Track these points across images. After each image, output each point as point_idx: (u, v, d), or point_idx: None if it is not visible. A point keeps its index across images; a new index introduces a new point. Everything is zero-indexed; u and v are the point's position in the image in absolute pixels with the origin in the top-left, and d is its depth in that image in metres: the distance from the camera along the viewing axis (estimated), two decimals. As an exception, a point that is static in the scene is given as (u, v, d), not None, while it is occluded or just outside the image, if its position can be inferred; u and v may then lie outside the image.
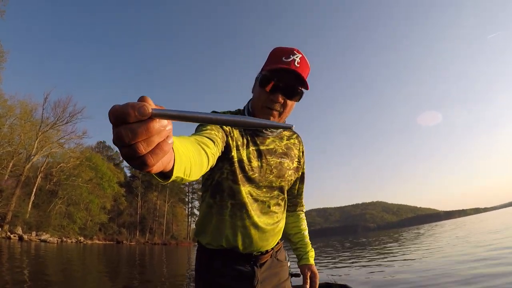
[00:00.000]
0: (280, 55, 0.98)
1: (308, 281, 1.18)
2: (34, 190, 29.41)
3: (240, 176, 0.99)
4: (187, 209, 65.61)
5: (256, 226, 1.02)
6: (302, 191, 1.28)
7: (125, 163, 58.37)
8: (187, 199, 65.75)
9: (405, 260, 7.96)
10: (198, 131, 0.87)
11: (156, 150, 0.34)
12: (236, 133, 1.01)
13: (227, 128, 0.97)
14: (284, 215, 1.15)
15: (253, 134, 1.06)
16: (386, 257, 9.19)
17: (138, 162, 0.34)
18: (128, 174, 57.25)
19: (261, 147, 1.06)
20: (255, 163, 1.03)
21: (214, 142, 0.81)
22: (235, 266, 1.04)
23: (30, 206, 28.30)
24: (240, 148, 1.01)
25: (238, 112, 1.11)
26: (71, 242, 29.99)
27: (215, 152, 0.79)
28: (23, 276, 6.13)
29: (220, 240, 1.03)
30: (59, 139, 32.27)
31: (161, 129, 0.33)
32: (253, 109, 1.04)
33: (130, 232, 50.43)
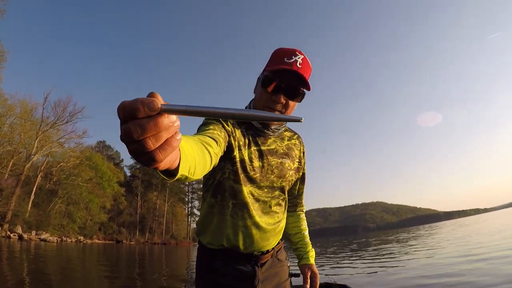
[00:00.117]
0: (282, 56, 0.99)
1: (309, 281, 1.18)
2: (34, 189, 29.42)
3: (242, 176, 1.00)
4: (187, 208, 65.72)
5: (257, 225, 1.02)
6: (303, 192, 1.29)
7: (125, 163, 58.48)
8: (187, 199, 65.85)
9: (404, 260, 7.97)
10: (200, 130, 0.88)
11: (165, 145, 0.34)
12: (238, 133, 1.01)
13: (229, 128, 0.97)
14: (285, 215, 1.16)
15: (254, 134, 1.06)
16: (385, 257, 9.20)
17: (147, 157, 0.34)
18: (128, 174, 57.41)
19: (263, 147, 1.06)
20: (256, 163, 1.03)
21: (216, 142, 0.81)
22: (236, 265, 1.04)
23: (30, 205, 28.31)
24: (242, 148, 1.01)
25: None
26: (71, 241, 30.00)
27: (217, 151, 0.79)
28: (22, 275, 6.14)
29: (221, 240, 1.03)
30: (59, 139, 32.36)
31: (169, 124, 0.33)
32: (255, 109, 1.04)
33: (129, 232, 50.45)
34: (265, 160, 1.05)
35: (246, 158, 1.01)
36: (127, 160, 59.91)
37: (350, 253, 13.06)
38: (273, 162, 1.07)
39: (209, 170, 0.72)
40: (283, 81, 0.97)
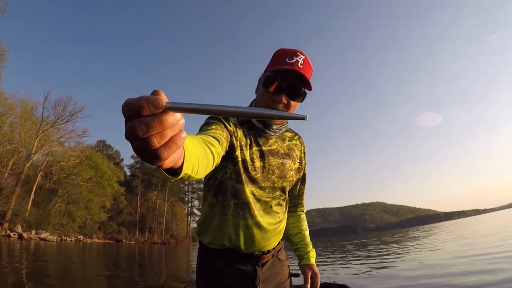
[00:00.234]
0: (283, 56, 0.99)
1: (309, 281, 1.19)
2: (34, 188, 29.42)
3: (243, 176, 1.00)
4: (186, 208, 65.69)
5: (258, 225, 1.03)
6: (303, 192, 1.29)
7: (125, 162, 58.47)
8: (186, 199, 65.83)
9: (404, 260, 7.97)
10: (202, 130, 0.88)
11: (169, 143, 0.34)
12: (240, 133, 1.02)
13: (231, 128, 0.98)
14: (286, 215, 1.16)
15: (256, 134, 1.07)
16: (385, 258, 9.20)
17: (151, 155, 0.34)
18: (128, 173, 57.42)
19: (264, 148, 1.07)
20: (258, 163, 1.04)
21: (219, 142, 0.82)
22: (237, 265, 1.05)
23: (30, 204, 28.31)
24: (244, 148, 1.01)
25: None
26: (71, 240, 30.00)
27: (220, 151, 0.80)
28: (22, 274, 6.14)
29: (223, 240, 1.03)
30: (59, 138, 32.37)
31: (174, 122, 0.33)
32: None
33: (129, 231, 50.44)
34: (266, 161, 1.06)
35: (248, 158, 1.01)
36: (127, 159, 60.05)
37: (349, 253, 13.06)
38: (274, 163, 1.07)
39: (212, 169, 0.73)
40: (285, 81, 0.97)
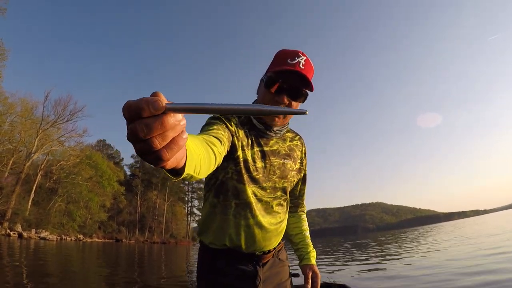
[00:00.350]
0: (285, 57, 0.99)
1: (310, 281, 1.19)
2: (34, 187, 29.43)
3: (245, 176, 1.00)
4: (186, 208, 65.68)
5: (260, 225, 1.03)
6: (304, 192, 1.29)
7: (125, 162, 58.47)
8: (186, 198, 65.82)
9: (404, 260, 7.97)
10: (204, 130, 0.88)
11: (171, 144, 0.34)
12: (241, 133, 1.02)
13: (232, 128, 0.98)
14: (287, 215, 1.17)
15: (257, 135, 1.07)
16: (385, 258, 9.20)
17: (153, 157, 0.34)
18: (128, 173, 57.43)
19: (265, 148, 1.07)
20: (259, 163, 1.04)
21: (221, 142, 0.82)
22: (238, 265, 1.05)
23: (30, 203, 28.32)
24: (245, 148, 1.01)
25: None
26: (71, 240, 30.02)
27: (221, 151, 0.80)
28: (22, 273, 6.14)
29: (224, 239, 1.04)
30: (59, 137, 32.38)
31: (175, 123, 0.33)
32: None
33: (129, 231, 50.44)
34: (267, 161, 1.06)
35: (250, 158, 1.02)
36: (127, 159, 60.17)
37: (349, 253, 13.06)
38: (275, 163, 1.08)
39: (214, 169, 0.73)
40: (286, 81, 0.98)
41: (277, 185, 1.08)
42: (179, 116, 0.34)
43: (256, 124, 1.06)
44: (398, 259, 8.68)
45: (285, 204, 1.14)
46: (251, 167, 1.01)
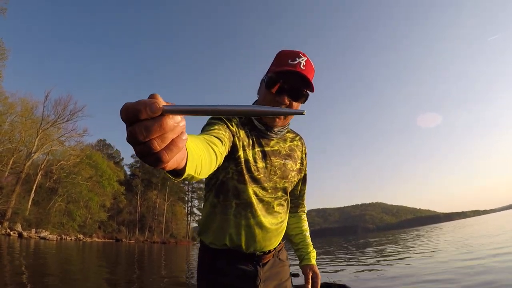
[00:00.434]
0: (285, 58, 0.99)
1: (310, 281, 1.19)
2: (34, 187, 29.44)
3: (246, 176, 1.00)
4: (186, 208, 65.70)
5: (260, 225, 1.03)
6: (304, 193, 1.30)
7: (125, 161, 58.46)
8: (186, 198, 65.83)
9: (404, 260, 7.97)
10: (205, 130, 0.88)
11: (171, 146, 0.34)
12: (242, 133, 1.02)
13: (233, 128, 0.98)
14: (287, 215, 1.17)
15: (258, 135, 1.07)
16: (385, 258, 9.20)
17: (153, 158, 0.34)
18: (128, 173, 57.45)
19: (266, 148, 1.07)
20: (260, 163, 1.04)
21: (221, 141, 0.82)
22: (238, 265, 1.05)
23: (30, 203, 28.33)
24: (246, 148, 1.02)
25: None
26: (71, 239, 30.04)
27: (222, 151, 0.80)
28: (22, 273, 6.15)
29: (224, 239, 1.04)
30: (59, 137, 32.40)
31: (175, 125, 0.33)
32: None
33: (129, 230, 50.45)
34: (268, 161, 1.06)
35: (251, 158, 1.02)
36: (127, 158, 60.03)
37: (349, 253, 13.06)
38: (276, 163, 1.08)
39: (215, 169, 0.73)
40: (287, 82, 0.98)
41: (278, 185, 1.08)
42: (178, 117, 0.34)
43: (257, 124, 1.06)
44: (398, 259, 8.68)
45: (285, 204, 1.14)
46: (252, 167, 1.01)
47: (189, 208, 65.75)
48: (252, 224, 1.02)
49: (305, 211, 1.35)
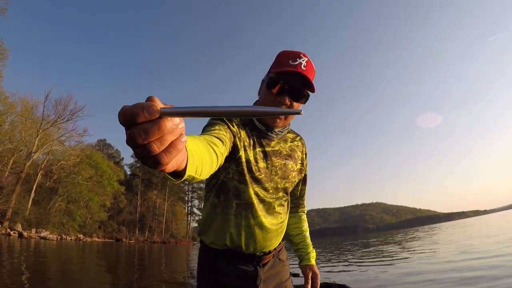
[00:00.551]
0: (286, 58, 1.00)
1: (310, 281, 1.20)
2: (34, 187, 29.45)
3: (247, 176, 1.01)
4: (186, 207, 65.66)
5: (260, 226, 1.03)
6: (304, 193, 1.30)
7: (125, 161, 58.44)
8: (186, 198, 65.79)
9: (404, 260, 7.97)
10: (206, 131, 0.88)
11: (170, 148, 0.34)
12: (243, 134, 1.02)
13: (234, 129, 0.98)
14: (287, 216, 1.17)
15: (259, 135, 1.07)
16: (385, 258, 9.20)
17: (152, 161, 0.34)
18: (128, 172, 57.42)
19: (267, 149, 1.07)
20: (261, 164, 1.04)
21: (222, 142, 0.82)
22: (238, 265, 1.05)
23: (30, 203, 28.34)
24: (247, 148, 1.02)
25: None
26: (71, 239, 30.02)
27: (223, 151, 0.80)
28: (22, 273, 6.15)
29: (224, 239, 1.04)
30: (59, 137, 32.37)
31: (173, 127, 0.33)
32: None
33: (129, 230, 50.44)
34: (269, 161, 1.06)
35: (252, 158, 1.02)
36: (127, 158, 60.00)
37: (349, 253, 13.06)
38: (277, 163, 1.08)
39: (216, 169, 0.73)
40: (288, 82, 0.98)
41: (279, 186, 1.09)
42: (177, 119, 0.34)
43: (257, 125, 1.06)
44: (398, 259, 8.68)
45: (286, 204, 1.14)
46: (253, 167, 1.02)
47: (189, 208, 65.80)
48: (252, 224, 1.02)
49: (305, 211, 1.36)
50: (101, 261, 11.38)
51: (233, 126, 0.98)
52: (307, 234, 1.30)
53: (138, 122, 0.32)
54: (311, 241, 1.30)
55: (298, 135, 1.23)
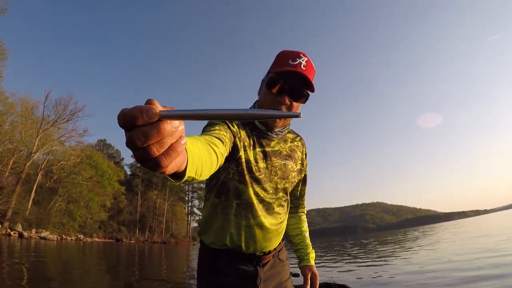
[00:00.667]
0: (286, 58, 1.00)
1: (309, 282, 1.20)
2: (35, 187, 29.46)
3: (247, 176, 1.01)
4: (187, 207, 65.65)
5: (260, 226, 1.03)
6: (304, 193, 1.30)
7: (125, 161, 58.42)
8: (187, 198, 65.78)
9: (404, 260, 7.97)
10: (206, 131, 0.88)
11: (169, 151, 0.35)
12: (243, 134, 1.02)
13: (234, 129, 0.98)
14: (287, 216, 1.17)
15: (259, 136, 1.07)
16: (385, 258, 9.20)
17: (152, 163, 0.34)
18: (128, 172, 57.42)
19: (267, 149, 1.07)
20: (261, 164, 1.04)
21: (222, 142, 0.82)
22: (238, 265, 1.06)
23: (30, 203, 28.35)
24: (247, 149, 1.02)
25: None
26: (71, 239, 30.03)
27: (223, 151, 0.80)
28: (22, 273, 6.15)
29: (224, 239, 1.04)
30: (60, 137, 32.38)
31: (172, 130, 0.33)
32: None
33: (129, 230, 50.45)
34: (269, 162, 1.06)
35: (252, 159, 1.02)
36: (128, 158, 59.97)
37: (349, 253, 13.06)
38: (276, 164, 1.08)
39: (216, 170, 0.73)
40: (288, 82, 0.98)
41: (278, 186, 1.09)
42: (176, 122, 0.34)
43: (257, 125, 1.06)
44: (398, 259, 8.68)
45: (285, 204, 1.14)
46: (253, 167, 1.02)
47: (190, 208, 65.78)
48: (252, 224, 1.02)
49: (305, 212, 1.36)
50: (102, 261, 11.39)
51: (233, 126, 0.98)
52: (307, 234, 1.30)
53: (138, 125, 0.32)
54: (311, 241, 1.30)
55: (298, 135, 1.23)
